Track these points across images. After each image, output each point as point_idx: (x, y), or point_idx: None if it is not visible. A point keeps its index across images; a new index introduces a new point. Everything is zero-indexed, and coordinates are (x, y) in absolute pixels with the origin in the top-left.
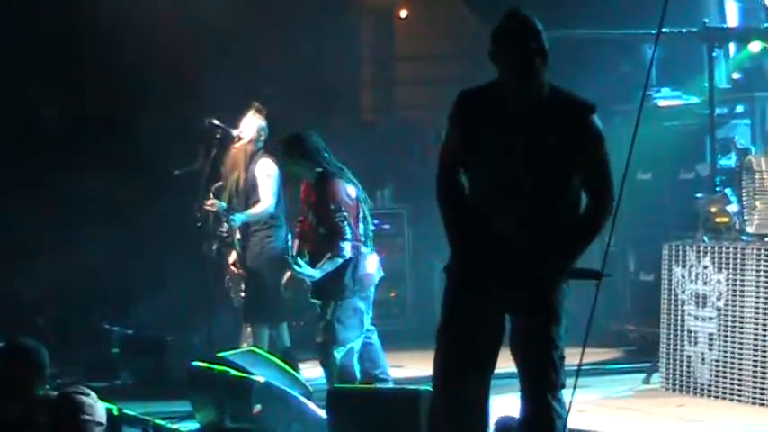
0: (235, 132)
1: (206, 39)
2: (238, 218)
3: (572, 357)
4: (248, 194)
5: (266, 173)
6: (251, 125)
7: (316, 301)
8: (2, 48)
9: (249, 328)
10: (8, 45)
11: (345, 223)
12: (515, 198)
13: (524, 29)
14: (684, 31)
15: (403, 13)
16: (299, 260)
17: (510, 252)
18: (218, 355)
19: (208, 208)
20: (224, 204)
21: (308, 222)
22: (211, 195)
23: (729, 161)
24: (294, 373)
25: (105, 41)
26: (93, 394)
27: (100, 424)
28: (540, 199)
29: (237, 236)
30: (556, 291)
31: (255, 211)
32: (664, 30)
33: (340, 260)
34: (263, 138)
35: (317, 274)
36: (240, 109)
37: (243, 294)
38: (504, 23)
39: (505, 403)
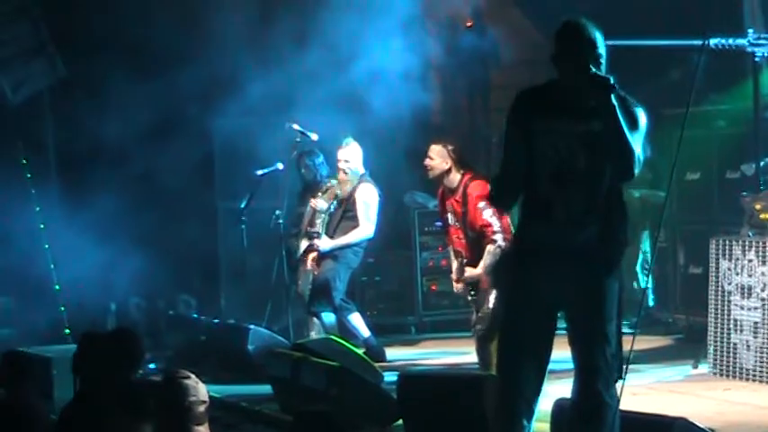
0: (314, 137)
1: (292, 45)
2: (326, 247)
3: (625, 344)
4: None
5: (363, 199)
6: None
7: (473, 293)
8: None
9: (315, 319)
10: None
11: (494, 217)
12: (574, 185)
13: (579, 33)
14: (731, 40)
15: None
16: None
17: (568, 239)
18: (297, 342)
19: (312, 206)
20: (323, 207)
21: (457, 231)
22: (319, 195)
23: None
24: (367, 359)
25: (198, 51)
26: (193, 376)
27: (204, 402)
28: (595, 184)
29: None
30: (609, 283)
31: (350, 238)
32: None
33: (499, 250)
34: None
35: (482, 273)
36: (323, 114)
37: (310, 287)
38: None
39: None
